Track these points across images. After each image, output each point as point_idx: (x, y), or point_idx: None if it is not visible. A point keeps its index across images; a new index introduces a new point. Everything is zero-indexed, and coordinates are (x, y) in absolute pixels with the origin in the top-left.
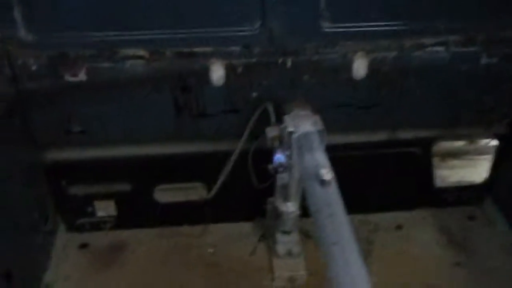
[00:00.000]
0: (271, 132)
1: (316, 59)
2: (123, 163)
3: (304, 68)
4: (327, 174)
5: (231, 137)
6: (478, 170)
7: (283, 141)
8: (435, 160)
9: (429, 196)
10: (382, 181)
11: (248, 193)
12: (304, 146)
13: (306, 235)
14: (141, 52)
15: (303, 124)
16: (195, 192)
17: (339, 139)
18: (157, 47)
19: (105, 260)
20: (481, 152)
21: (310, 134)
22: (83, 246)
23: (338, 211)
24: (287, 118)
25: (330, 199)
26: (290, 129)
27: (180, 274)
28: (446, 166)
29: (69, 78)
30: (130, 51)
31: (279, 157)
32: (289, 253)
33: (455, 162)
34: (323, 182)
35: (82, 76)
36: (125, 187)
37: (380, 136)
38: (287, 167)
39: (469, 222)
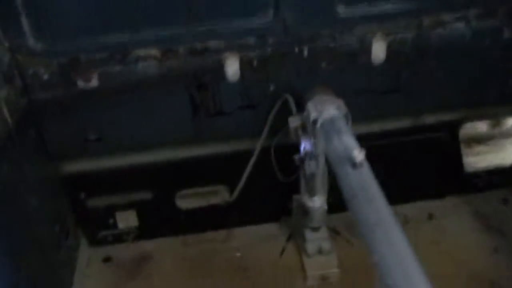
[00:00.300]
0: (294, 121)
1: (333, 45)
2: (142, 170)
3: (321, 55)
4: (359, 155)
5: (250, 135)
6: (506, 153)
7: (307, 130)
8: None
9: (459, 182)
10: (409, 169)
11: (272, 192)
12: (331, 131)
13: (335, 231)
14: (153, 52)
15: (327, 108)
16: (217, 195)
17: (361, 128)
18: (169, 45)
19: (130, 273)
20: (507, 135)
21: (336, 118)
22: (107, 259)
23: (374, 192)
24: (309, 105)
25: (364, 181)
26: (314, 115)
27: (209, 281)
28: (472, 153)
29: (81, 84)
30: (142, 52)
31: (305, 145)
32: (320, 251)
33: (481, 148)
34: (355, 165)
35: (94, 82)
36: (145, 195)
37: (403, 122)
38: (313, 156)
39: (503, 205)
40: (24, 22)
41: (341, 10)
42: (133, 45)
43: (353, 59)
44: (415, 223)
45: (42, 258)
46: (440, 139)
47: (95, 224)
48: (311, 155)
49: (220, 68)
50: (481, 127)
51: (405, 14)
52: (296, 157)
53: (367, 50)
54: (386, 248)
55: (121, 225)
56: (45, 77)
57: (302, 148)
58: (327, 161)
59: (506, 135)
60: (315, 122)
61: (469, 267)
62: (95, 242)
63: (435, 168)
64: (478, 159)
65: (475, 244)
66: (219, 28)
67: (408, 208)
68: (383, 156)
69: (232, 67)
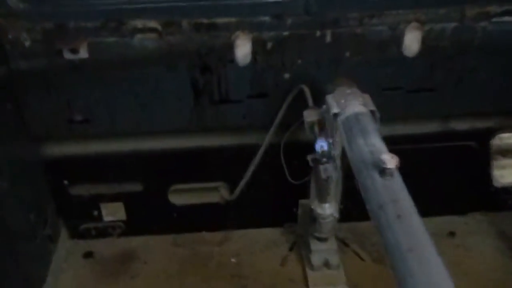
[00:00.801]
0: (310, 116)
1: (361, 32)
2: (133, 158)
3: (346, 42)
4: (391, 160)
5: (258, 128)
6: None
7: (325, 127)
8: None
9: (485, 198)
10: (432, 180)
11: (277, 194)
12: (355, 129)
13: (344, 243)
14: (153, 24)
15: (351, 103)
16: (216, 193)
17: (383, 129)
18: (172, 17)
19: (113, 271)
20: None
21: (361, 115)
22: (88, 254)
23: (407, 208)
24: (330, 98)
25: (395, 192)
26: (335, 110)
27: (199, 287)
28: (497, 166)
29: (68, 55)
30: (140, 23)
31: (322, 144)
32: (326, 264)
33: (508, 161)
34: (384, 171)
35: (83, 53)
36: (135, 187)
37: (432, 126)
38: (331, 157)
39: None
40: None
41: None
42: (130, 14)
43: (382, 50)
44: (435, 240)
45: (12, 248)
46: (469, 149)
47: (78, 215)
48: (328, 156)
49: (228, 49)
50: (508, 138)
51: (446, 2)
52: (310, 157)
53: (399, 40)
54: (421, 281)
55: (106, 218)
56: (27, 43)
57: (317, 147)
58: (343, 164)
59: None
60: (335, 117)
61: None
62: (76, 234)
63: (460, 181)
64: (503, 174)
65: (500, 268)
66: (230, 2)
67: (427, 223)
68: (405, 162)
69: (243, 49)
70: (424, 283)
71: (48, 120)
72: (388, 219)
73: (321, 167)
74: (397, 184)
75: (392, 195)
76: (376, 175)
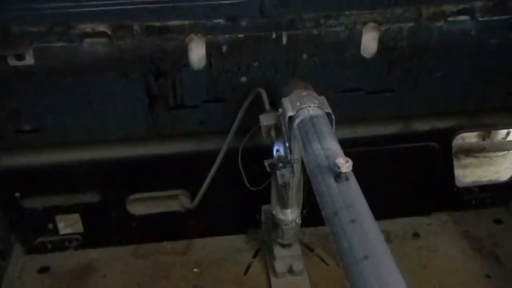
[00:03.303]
0: (266, 120)
1: (317, 33)
2: (88, 168)
3: (303, 44)
4: (345, 164)
5: (216, 133)
6: (498, 168)
7: (281, 131)
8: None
9: (448, 197)
10: (395, 181)
11: (239, 200)
12: (311, 133)
13: (308, 248)
14: (102, 28)
15: (307, 106)
16: (176, 201)
17: (344, 132)
18: (122, 20)
19: (71, 286)
20: (499, 148)
21: (317, 118)
22: (44, 270)
23: (363, 213)
24: (285, 101)
25: (350, 198)
26: (290, 113)
27: None
28: (459, 166)
29: (13, 61)
30: (88, 26)
31: (278, 149)
32: (290, 270)
33: (469, 160)
34: (339, 176)
35: (29, 59)
36: (92, 197)
37: (392, 128)
38: (288, 162)
39: (496, 225)
40: None
41: None
42: (77, 17)
43: (339, 51)
44: (399, 242)
45: None
46: (431, 149)
47: (32, 229)
48: (284, 161)
49: (182, 53)
50: (470, 137)
51: (401, 2)
52: (267, 162)
53: (356, 41)
54: None
55: (62, 230)
56: None
57: (274, 152)
58: (303, 168)
59: (497, 148)
60: (291, 121)
61: None
62: (31, 249)
63: (423, 181)
64: (465, 173)
65: (465, 269)
66: (183, 5)
67: (391, 225)
68: (366, 164)
69: (197, 52)
70: None
71: None
72: (342, 224)
73: (278, 172)
74: (352, 189)
75: (346, 200)
76: (331, 180)
